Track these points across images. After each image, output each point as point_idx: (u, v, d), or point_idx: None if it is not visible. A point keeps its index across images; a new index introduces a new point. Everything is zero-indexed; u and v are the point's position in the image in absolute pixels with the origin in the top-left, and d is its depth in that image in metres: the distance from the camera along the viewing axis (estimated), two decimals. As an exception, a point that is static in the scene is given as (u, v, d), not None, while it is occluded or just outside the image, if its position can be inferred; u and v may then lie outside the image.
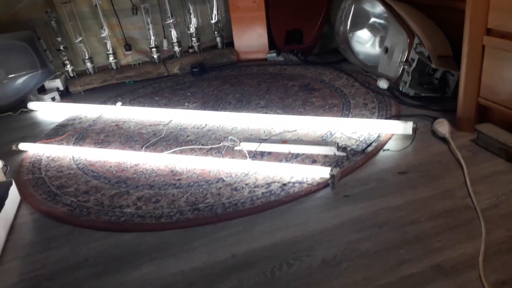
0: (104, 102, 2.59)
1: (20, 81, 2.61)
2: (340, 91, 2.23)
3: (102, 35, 2.78)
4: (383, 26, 2.26)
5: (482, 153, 1.52)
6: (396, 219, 1.27)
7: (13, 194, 1.63)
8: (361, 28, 2.42)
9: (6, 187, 1.60)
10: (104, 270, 1.24)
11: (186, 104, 2.37)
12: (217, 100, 2.36)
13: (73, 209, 1.55)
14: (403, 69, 2.03)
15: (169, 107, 2.34)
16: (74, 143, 2.09)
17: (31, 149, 2.06)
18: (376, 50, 2.34)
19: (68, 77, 2.86)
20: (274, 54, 2.90)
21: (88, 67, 2.85)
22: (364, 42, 2.41)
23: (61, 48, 2.76)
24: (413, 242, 1.17)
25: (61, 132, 2.24)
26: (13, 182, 1.65)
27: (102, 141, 2.07)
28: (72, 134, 2.19)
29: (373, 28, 2.36)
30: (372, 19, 2.35)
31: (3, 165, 1.90)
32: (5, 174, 1.84)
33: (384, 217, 1.28)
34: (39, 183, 1.77)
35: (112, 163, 1.84)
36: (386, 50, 2.18)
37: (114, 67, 2.89)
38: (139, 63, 2.95)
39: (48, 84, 2.80)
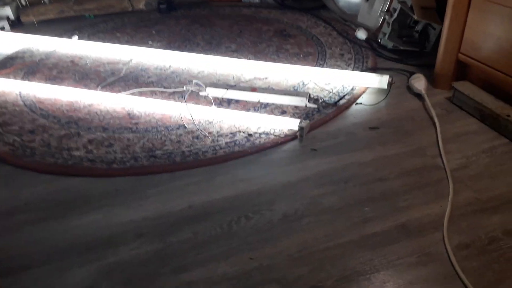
0: (60, 35, 2.36)
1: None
2: (317, 40, 2.10)
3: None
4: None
5: (457, 112, 1.46)
6: (363, 175, 1.20)
7: None
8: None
9: None
10: (46, 216, 1.13)
11: (150, 42, 2.18)
12: (184, 40, 2.18)
13: (16, 149, 1.41)
14: (384, 19, 1.91)
15: (131, 44, 2.14)
16: (22, 78, 1.90)
17: (-27, 81, 1.85)
18: (357, -2, 2.20)
19: (20, 6, 2.57)
20: (249, -4, 2.70)
21: (43, -5, 2.56)
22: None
23: (11, -30, 2.45)
24: (379, 200, 1.12)
25: (9, 65, 2.03)
26: None
27: (54, 77, 1.88)
28: (20, 68, 1.98)
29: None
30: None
31: None
32: None
33: (351, 173, 1.21)
34: (-22, 119, 1.59)
35: (64, 101, 1.67)
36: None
37: (73, -2, 2.61)
38: (101, -5, 2.68)
39: (-4, 11, 2.51)
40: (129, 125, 1.50)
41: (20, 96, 1.73)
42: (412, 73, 1.66)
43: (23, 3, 2.57)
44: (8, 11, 2.52)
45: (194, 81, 1.63)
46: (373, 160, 1.26)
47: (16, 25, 2.57)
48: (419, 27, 1.85)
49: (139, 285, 0.94)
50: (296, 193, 1.15)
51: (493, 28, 1.37)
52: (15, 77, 1.90)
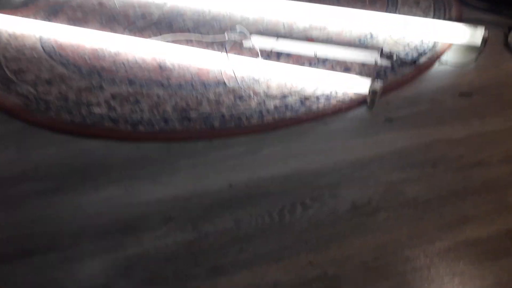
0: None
1: None
2: (384, -16, 1.74)
3: None
4: None
5: None
6: (456, 157, 0.92)
7: (-44, 76, 1.26)
8: None
9: None
10: (56, 186, 0.93)
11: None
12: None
13: (29, 102, 1.20)
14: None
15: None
16: (43, 19, 1.67)
17: (-9, 22, 1.64)
18: None
19: None
20: None
21: None
22: None
23: None
24: (481, 192, 0.84)
25: (30, 4, 1.80)
26: (-45, 59, 1.28)
27: (78, 19, 1.65)
28: (43, 8, 1.75)
29: None
30: None
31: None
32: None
33: (439, 153, 0.93)
34: (-8, 65, 1.39)
35: (87, 48, 1.44)
36: None
37: None
38: None
39: None
40: (160, 78, 1.26)
41: (40, 41, 1.51)
42: (511, 27, 1.31)
43: None
44: None
45: (238, 27, 1.36)
46: (467, 137, 0.97)
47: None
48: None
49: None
50: (368, 177, 0.89)
51: None
52: (36, 18, 1.67)
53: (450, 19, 1.44)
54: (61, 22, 1.62)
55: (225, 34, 1.35)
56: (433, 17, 1.46)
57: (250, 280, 0.72)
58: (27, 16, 1.68)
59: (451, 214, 0.80)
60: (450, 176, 0.88)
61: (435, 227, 0.78)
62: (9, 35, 1.58)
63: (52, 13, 1.70)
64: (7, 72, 1.35)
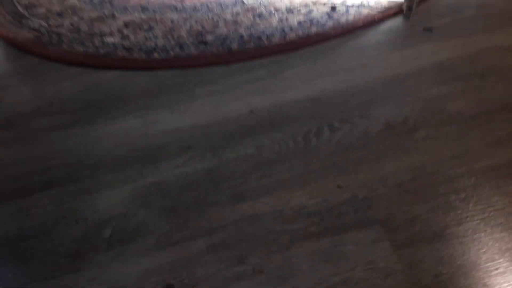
0: None
1: None
2: None
3: None
4: None
5: None
6: (507, 66, 0.80)
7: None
8: None
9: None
10: (72, 120, 0.90)
11: None
12: None
13: (41, 36, 1.15)
14: None
15: None
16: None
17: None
18: None
19: None
20: None
21: None
22: None
23: None
24: (537, 105, 0.73)
25: None
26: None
27: None
28: None
29: None
30: None
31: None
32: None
33: (488, 63, 0.82)
34: (3, 1, 1.33)
35: (97, -24, 1.35)
36: None
37: None
38: None
39: None
40: (173, 2, 1.17)
41: (50, -28, 1.43)
42: None
43: None
44: None
45: None
46: (523, 43, 0.84)
47: None
48: None
49: (185, 215, 0.69)
50: (405, 94, 0.79)
51: None
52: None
53: None
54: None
55: None
56: None
57: (273, 205, 0.67)
58: None
59: (501, 130, 0.71)
60: (499, 88, 0.77)
61: (483, 144, 0.69)
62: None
63: None
64: (19, 7, 1.29)
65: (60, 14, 1.22)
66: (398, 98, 0.79)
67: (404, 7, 0.94)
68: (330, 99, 0.82)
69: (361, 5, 0.99)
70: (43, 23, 1.20)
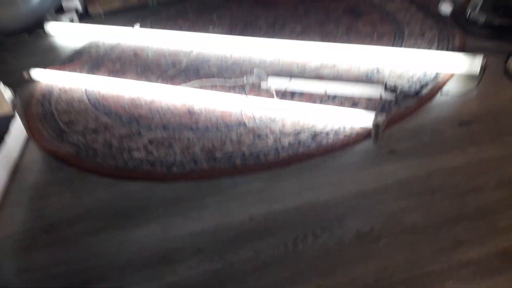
0: (124, 25, 2.34)
1: (34, 1, 2.39)
2: (392, 17, 1.86)
3: None
4: None
5: None
6: (453, 185, 1.02)
7: (18, 130, 1.49)
8: None
9: (7, 121, 1.46)
10: (105, 225, 1.10)
11: (211, 27, 2.09)
12: (246, 24, 2.06)
13: (80, 150, 1.40)
14: (475, -12, 1.63)
15: (192, 31, 2.06)
16: (87, 72, 1.90)
17: (44, 78, 1.89)
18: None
19: (87, -3, 2.60)
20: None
21: (108, -15, 2.56)
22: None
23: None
24: (474, 217, 0.94)
25: (76, 59, 2.05)
26: (17, 115, 1.50)
27: (117, 71, 1.86)
28: (87, 62, 1.99)
29: None
30: None
31: (14, 97, 1.75)
32: (16, 107, 1.70)
33: (438, 181, 1.04)
34: (47, 118, 1.62)
35: (126, 98, 1.65)
36: (454, -36, 1.76)
37: (136, -14, 2.58)
38: (163, -19, 2.62)
39: (66, 3, 2.56)
40: (189, 123, 1.43)
41: (86, 94, 1.73)
42: (510, 54, 1.39)
43: (90, -6, 2.58)
44: (76, 3, 2.57)
45: (255, 70, 1.52)
46: (464, 165, 1.07)
47: (84, 16, 2.60)
48: (520, -4, 1.55)
49: (197, 310, 0.86)
50: (371, 207, 1.00)
51: None
52: (81, 71, 1.91)
53: (453, 48, 1.54)
54: (103, 74, 1.85)
55: (244, 77, 1.51)
56: (437, 48, 1.56)
57: (268, 302, 0.85)
58: (74, 70, 1.92)
59: (446, 239, 0.90)
60: (446, 204, 0.98)
61: (431, 251, 0.89)
62: (60, 89, 1.81)
63: (95, 66, 1.93)
64: (60, 123, 1.57)
65: (95, 131, 1.49)
66: (366, 211, 0.99)
67: (372, 133, 1.18)
68: (313, 210, 1.03)
69: (339, 131, 1.24)
70: (81, 138, 1.46)
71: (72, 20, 2.53)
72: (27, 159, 1.43)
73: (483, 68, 1.33)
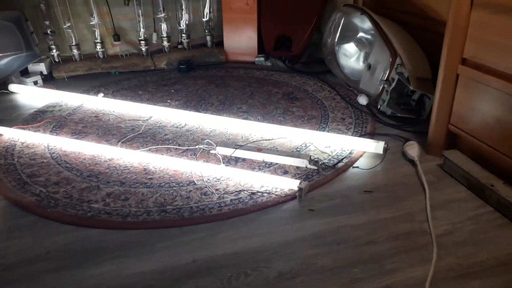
0: (87, 91, 2.58)
1: (3, 61, 2.58)
2: (321, 103, 2.26)
3: (92, 23, 2.76)
4: (370, 41, 2.29)
5: (447, 179, 1.57)
6: (355, 238, 1.30)
7: (-17, 179, 1.62)
8: (348, 41, 2.45)
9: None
10: (64, 265, 1.25)
11: (169, 101, 2.38)
12: (200, 100, 2.38)
13: (41, 200, 1.56)
14: (383, 87, 2.07)
15: (151, 103, 2.34)
16: (51, 131, 2.09)
17: (7, 133, 2.04)
18: (360, 65, 2.38)
19: (53, 62, 2.83)
20: (262, 59, 2.92)
21: (75, 53, 2.83)
22: (350, 56, 2.45)
23: (49, 32, 2.73)
24: (368, 262, 1.21)
25: (39, 119, 2.23)
26: (-17, 166, 1.64)
27: (79, 131, 2.07)
28: (50, 122, 2.18)
29: (360, 43, 2.39)
30: (360, 34, 2.38)
31: (-24, 148, 1.89)
32: (-23, 157, 1.83)
33: (344, 235, 1.32)
34: (10, 170, 1.76)
35: (87, 155, 1.84)
36: (369, 67, 2.22)
37: (101, 56, 2.87)
38: (126, 54, 2.94)
39: (32, 67, 2.77)
40: (145, 180, 1.65)
41: (48, 149, 1.91)
42: (407, 140, 1.79)
43: (56, 59, 2.82)
44: (42, 67, 2.78)
45: (206, 140, 1.79)
46: (365, 223, 1.37)
47: (49, 79, 2.82)
48: (415, 96, 2.00)
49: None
50: (292, 252, 1.25)
51: (479, 104, 1.50)
52: (44, 131, 2.09)
53: (366, 133, 1.92)
54: (66, 133, 2.04)
55: (197, 146, 1.78)
56: (353, 131, 1.94)
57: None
58: (37, 129, 2.10)
59: (346, 278, 1.16)
60: (349, 251, 1.25)
61: (334, 286, 1.14)
62: (22, 143, 1.97)
63: (58, 127, 2.12)
64: (23, 175, 1.72)
65: (56, 183, 1.65)
66: (288, 256, 1.24)
67: (297, 194, 1.47)
68: (247, 254, 1.26)
69: (271, 192, 1.52)
70: (43, 189, 1.62)
71: (36, 83, 2.73)
72: (-12, 206, 1.55)
73: (385, 150, 1.70)
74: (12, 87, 2.62)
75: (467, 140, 1.58)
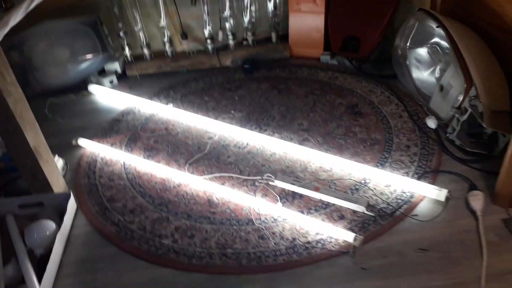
0: (158, 94, 2.72)
1: (84, 65, 2.78)
2: (386, 122, 2.20)
3: (161, 25, 2.84)
4: (445, 60, 2.12)
5: (510, 241, 1.51)
6: (402, 306, 1.35)
7: (71, 203, 1.85)
8: (421, 51, 2.30)
9: (65, 198, 1.82)
10: (139, 307, 1.45)
11: (232, 112, 2.45)
12: (262, 112, 2.41)
13: (120, 230, 1.76)
14: (454, 115, 1.95)
15: (216, 113, 2.43)
16: (126, 145, 2.27)
17: (88, 146, 2.27)
18: (433, 79, 2.23)
19: (126, 61, 2.98)
20: (328, 57, 2.84)
21: (145, 53, 2.95)
22: (423, 63, 2.29)
23: (121, 33, 2.86)
24: None
25: (116, 129, 2.42)
26: (71, 194, 1.87)
27: (151, 147, 2.23)
28: (125, 133, 2.36)
29: (434, 52, 2.22)
30: (435, 47, 2.21)
31: (64, 164, 2.13)
32: (64, 174, 2.08)
33: (393, 302, 1.37)
34: (93, 191, 1.98)
35: (158, 179, 2.01)
36: (441, 88, 2.09)
37: (170, 55, 2.97)
38: (193, 52, 3.00)
39: (108, 66, 2.95)
40: (208, 214, 1.78)
41: (124, 168, 2.10)
42: (472, 186, 1.72)
43: (129, 59, 2.97)
44: (116, 66, 2.95)
45: (266, 175, 1.87)
46: (414, 291, 1.40)
47: (122, 77, 2.99)
48: (489, 130, 1.87)
49: None
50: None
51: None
52: (120, 144, 2.28)
53: (430, 169, 1.87)
54: (139, 149, 2.22)
55: (256, 183, 1.87)
56: (417, 166, 1.89)
57: None
58: (114, 142, 2.30)
59: None
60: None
61: None
62: (101, 159, 2.18)
63: (133, 140, 2.31)
64: (103, 199, 1.94)
65: (132, 211, 1.85)
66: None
67: (351, 250, 1.52)
68: (298, 314, 1.37)
69: (325, 241, 1.58)
70: (120, 217, 1.82)
71: (112, 81, 2.92)
72: (76, 231, 1.79)
73: (447, 199, 1.66)
74: (91, 87, 2.83)
75: (539, 202, 1.49)
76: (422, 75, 2.30)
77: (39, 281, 1.50)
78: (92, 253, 1.69)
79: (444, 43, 2.14)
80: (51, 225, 1.71)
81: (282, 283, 1.47)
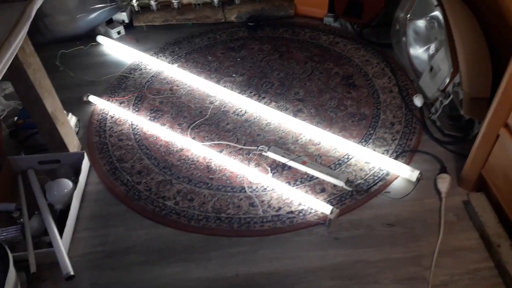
0: (163, 49, 2.83)
1: (92, 15, 2.86)
2: (377, 97, 2.34)
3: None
4: (440, 34, 2.18)
5: (465, 221, 1.74)
6: (364, 275, 1.62)
7: (85, 163, 2.08)
8: (421, 18, 2.35)
9: (79, 157, 2.05)
10: (146, 260, 1.74)
11: (234, 75, 2.57)
12: (262, 77, 2.54)
13: (128, 190, 2.00)
14: (438, 97, 2.09)
15: (219, 74, 2.57)
16: (133, 104, 2.44)
17: (99, 103, 2.44)
18: (426, 56, 2.32)
19: (133, 11, 3.04)
20: (331, 19, 2.88)
21: (152, 3, 3.00)
22: (420, 36, 2.35)
23: (127, -16, 2.88)
24: (369, 302, 1.55)
25: (124, 86, 2.58)
26: (85, 154, 2.09)
27: (157, 108, 2.40)
28: (133, 93, 2.52)
29: (432, 27, 2.28)
30: (436, 13, 2.24)
31: (76, 121, 2.33)
32: (77, 132, 2.29)
33: (357, 270, 1.63)
34: (104, 150, 2.20)
35: (162, 141, 2.21)
36: (431, 69, 2.19)
37: (176, 7, 3.01)
38: (199, 4, 3.03)
39: (115, 16, 3.01)
40: (207, 179, 2.01)
41: (132, 128, 2.30)
42: (443, 169, 1.91)
43: (136, 9, 3.02)
44: (124, 16, 3.02)
45: (260, 146, 2.07)
46: (378, 261, 1.65)
47: (129, 27, 3.07)
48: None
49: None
50: (312, 281, 1.62)
51: (510, 169, 1.58)
52: (128, 103, 2.45)
53: (407, 149, 2.05)
54: (146, 108, 2.40)
55: (251, 154, 2.07)
56: (397, 144, 2.07)
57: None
58: (123, 101, 2.47)
59: (347, 313, 1.53)
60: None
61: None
62: (111, 118, 2.38)
63: (140, 99, 2.47)
64: (114, 159, 2.16)
65: (139, 172, 2.08)
66: (308, 284, 1.61)
67: (327, 222, 1.77)
68: (278, 276, 1.64)
69: (306, 211, 1.82)
70: (129, 178, 2.06)
71: (119, 32, 3.00)
72: (90, 188, 2.04)
73: (418, 180, 1.87)
74: (100, 38, 2.92)
75: (493, 191, 1.70)
76: (417, 51, 2.39)
77: (60, 233, 1.78)
78: (104, 210, 1.95)
79: (442, 20, 2.19)
80: (69, 183, 1.95)
81: (267, 246, 1.74)
